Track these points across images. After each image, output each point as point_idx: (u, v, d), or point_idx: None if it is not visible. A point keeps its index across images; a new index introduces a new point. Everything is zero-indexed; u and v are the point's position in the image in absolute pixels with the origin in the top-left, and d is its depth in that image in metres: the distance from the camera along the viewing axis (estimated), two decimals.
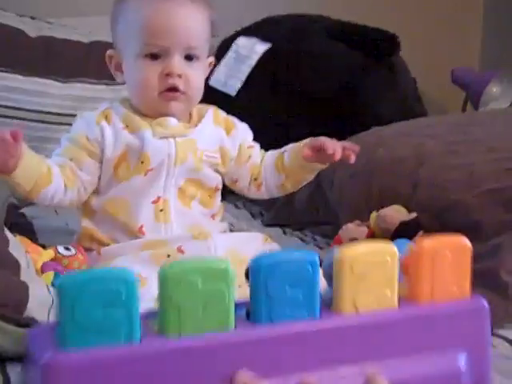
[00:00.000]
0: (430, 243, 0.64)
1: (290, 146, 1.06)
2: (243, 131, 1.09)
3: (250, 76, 1.63)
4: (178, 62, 0.98)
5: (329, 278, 0.63)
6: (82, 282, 0.53)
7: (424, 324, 0.64)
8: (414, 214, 0.98)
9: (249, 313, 0.60)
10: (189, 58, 0.99)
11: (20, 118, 1.48)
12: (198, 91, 1.02)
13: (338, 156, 0.97)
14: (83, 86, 1.57)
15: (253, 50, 1.67)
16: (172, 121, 1.01)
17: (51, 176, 0.95)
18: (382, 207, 1.05)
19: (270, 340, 0.59)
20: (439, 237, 0.66)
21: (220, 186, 1.06)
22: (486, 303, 0.66)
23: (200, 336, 0.57)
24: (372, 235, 1.00)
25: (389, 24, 1.68)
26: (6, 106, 1.47)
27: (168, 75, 0.97)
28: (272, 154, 1.08)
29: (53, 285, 0.87)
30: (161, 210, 0.99)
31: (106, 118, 1.01)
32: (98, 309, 0.53)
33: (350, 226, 1.01)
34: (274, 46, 1.65)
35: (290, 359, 0.59)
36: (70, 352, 0.53)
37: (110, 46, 1.65)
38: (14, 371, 0.73)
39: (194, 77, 1.00)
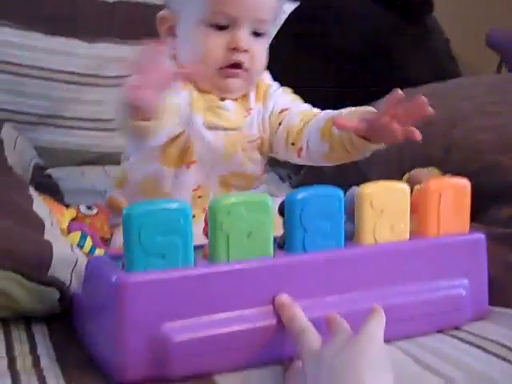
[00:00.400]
0: (435, 183, 0.74)
1: (349, 109, 0.89)
2: (274, 97, 0.97)
3: (278, 36, 1.59)
4: (245, 36, 0.89)
5: (350, 213, 0.70)
6: (147, 210, 0.60)
7: (432, 254, 0.73)
8: (447, 176, 0.95)
9: (280, 245, 0.68)
10: (256, 33, 0.91)
11: (44, 78, 1.46)
12: (261, 70, 0.95)
13: (400, 137, 0.80)
14: (108, 45, 1.55)
15: (281, 9, 1.63)
16: (228, 106, 0.93)
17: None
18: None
19: (304, 265, 0.67)
20: (443, 178, 0.77)
21: (264, 167, 0.99)
22: (483, 235, 0.76)
23: (246, 261, 0.64)
24: None
25: None
26: (30, 66, 1.46)
27: (234, 49, 0.89)
28: (324, 116, 0.92)
29: (78, 245, 0.87)
30: (199, 197, 0.94)
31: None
32: (159, 235, 0.60)
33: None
34: (303, 6, 1.61)
35: (318, 283, 0.67)
36: (137, 272, 0.60)
37: (133, 6, 1.66)
38: (38, 329, 0.73)
39: (259, 54, 0.92)
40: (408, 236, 0.72)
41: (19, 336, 0.71)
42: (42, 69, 1.47)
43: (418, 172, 0.98)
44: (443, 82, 1.35)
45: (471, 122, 1.07)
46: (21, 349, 0.68)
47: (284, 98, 0.98)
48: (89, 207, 1.01)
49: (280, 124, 0.95)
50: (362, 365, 0.53)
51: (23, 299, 0.71)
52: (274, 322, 0.65)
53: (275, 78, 1.40)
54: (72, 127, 1.48)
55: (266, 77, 1.00)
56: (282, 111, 0.95)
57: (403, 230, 0.72)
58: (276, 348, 0.65)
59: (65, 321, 0.73)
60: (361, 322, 0.60)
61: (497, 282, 0.77)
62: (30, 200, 0.87)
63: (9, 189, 0.85)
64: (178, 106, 0.90)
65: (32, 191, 0.93)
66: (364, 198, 0.69)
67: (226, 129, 0.92)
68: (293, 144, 0.93)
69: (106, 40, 1.55)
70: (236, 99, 0.95)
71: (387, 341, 0.67)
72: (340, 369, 0.53)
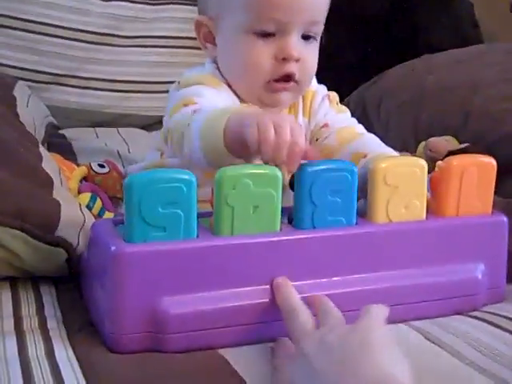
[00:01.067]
0: (458, 160, 0.69)
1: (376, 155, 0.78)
2: (320, 111, 0.87)
3: None
4: (296, 43, 0.78)
5: (363, 189, 0.66)
6: (148, 180, 0.58)
7: (449, 235, 0.69)
8: (465, 145, 0.93)
9: (290, 219, 0.65)
10: (306, 37, 0.79)
11: (59, 37, 1.45)
12: (312, 78, 0.84)
13: None
14: (124, 4, 1.52)
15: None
16: None
17: None
18: None
19: (312, 243, 0.63)
20: (467, 155, 0.71)
21: None
22: (505, 218, 0.71)
23: (250, 235, 0.61)
24: None
25: None
26: (45, 24, 1.44)
27: (284, 59, 0.78)
28: (354, 149, 0.81)
29: (87, 206, 0.86)
30: None
31: None
32: (161, 206, 0.58)
33: (393, 152, 0.96)
34: None
35: (326, 263, 0.64)
36: (135, 244, 0.58)
37: None
38: (46, 290, 0.73)
39: (311, 61, 0.81)
40: (424, 215, 0.68)
41: (27, 296, 0.71)
42: (58, 27, 1.45)
43: (434, 141, 0.96)
44: (465, 47, 1.31)
45: (493, 89, 1.04)
46: (28, 309, 0.68)
47: (328, 112, 0.88)
48: (101, 165, 1.00)
49: (317, 140, 0.86)
50: (375, 345, 0.52)
51: (30, 258, 0.71)
52: (273, 299, 0.62)
53: None
54: (86, 87, 1.46)
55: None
56: (322, 126, 0.87)
57: (419, 208, 0.68)
58: (277, 326, 0.62)
59: (73, 282, 0.73)
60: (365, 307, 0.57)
61: None
62: (40, 158, 0.86)
63: (19, 146, 0.84)
64: None
65: (42, 149, 0.92)
66: (377, 173, 0.65)
67: None
68: None
69: None
70: (286, 109, 0.86)
71: (401, 321, 0.67)
72: (352, 351, 0.51)
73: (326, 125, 0.86)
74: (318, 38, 0.82)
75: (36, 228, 0.70)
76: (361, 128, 0.87)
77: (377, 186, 0.65)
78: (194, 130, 0.68)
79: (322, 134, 0.86)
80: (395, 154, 0.81)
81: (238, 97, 0.82)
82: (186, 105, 0.75)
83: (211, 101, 0.76)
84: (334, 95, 0.90)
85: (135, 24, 1.52)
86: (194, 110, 0.72)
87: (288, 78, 0.79)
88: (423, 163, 0.67)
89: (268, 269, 0.62)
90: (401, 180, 0.66)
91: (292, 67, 0.78)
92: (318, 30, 0.80)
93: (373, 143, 0.83)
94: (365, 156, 0.78)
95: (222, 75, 0.83)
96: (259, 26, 0.77)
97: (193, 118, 0.70)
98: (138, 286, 0.58)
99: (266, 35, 0.78)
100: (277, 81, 0.79)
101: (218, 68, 0.83)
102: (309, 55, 0.80)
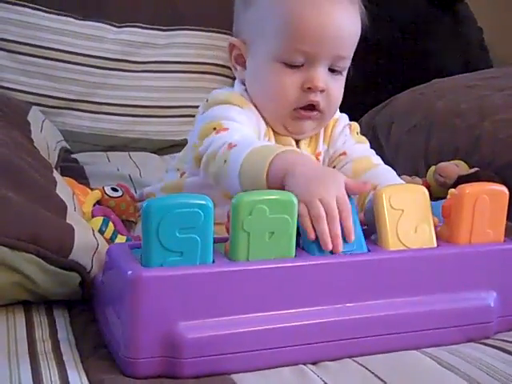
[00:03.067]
0: (471, 188, 0.69)
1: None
2: (340, 139, 0.89)
3: None
4: (322, 75, 0.80)
5: (370, 223, 0.68)
6: (166, 205, 0.58)
7: (462, 262, 0.69)
8: (475, 169, 0.93)
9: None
10: (333, 70, 0.82)
11: (73, 63, 1.47)
12: (336, 109, 0.87)
13: None
14: (137, 30, 1.55)
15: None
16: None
17: None
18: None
19: (327, 269, 0.64)
20: (479, 183, 0.71)
21: None
22: None
23: (265, 261, 0.62)
24: (427, 189, 0.96)
25: None
26: (59, 50, 1.46)
27: (310, 89, 0.80)
28: (371, 177, 0.83)
29: (100, 230, 0.87)
30: None
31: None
32: (178, 231, 0.58)
33: (404, 177, 0.97)
34: None
35: (341, 289, 0.64)
36: (152, 268, 0.59)
37: None
38: (59, 314, 0.73)
39: (336, 93, 0.83)
40: (434, 240, 0.69)
41: (40, 320, 0.71)
42: (71, 53, 1.47)
43: (444, 165, 0.96)
44: (474, 72, 1.32)
45: (501, 114, 1.04)
46: (41, 333, 0.68)
47: (348, 140, 0.90)
48: (114, 189, 1.01)
49: (334, 167, 0.88)
50: None
51: (44, 283, 0.72)
52: (291, 324, 0.63)
53: None
54: (98, 112, 1.49)
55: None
56: (341, 154, 0.89)
57: (428, 232, 0.68)
58: (292, 351, 0.63)
59: (86, 306, 0.73)
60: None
61: None
62: (54, 183, 0.88)
63: (34, 171, 0.86)
64: None
65: (56, 174, 0.94)
66: (382, 198, 0.67)
67: None
68: None
69: (134, 25, 1.55)
70: (309, 137, 0.88)
71: (414, 348, 0.67)
72: None
73: (344, 153, 0.88)
74: (345, 72, 0.84)
75: (50, 252, 0.71)
76: (377, 159, 0.89)
77: (383, 209, 0.66)
78: (231, 171, 0.71)
79: (339, 161, 0.88)
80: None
81: (264, 119, 0.84)
82: (215, 129, 0.77)
83: (241, 127, 0.78)
84: (356, 126, 0.92)
85: (148, 50, 1.54)
86: (229, 143, 0.73)
87: (312, 107, 0.81)
88: (424, 190, 0.69)
89: (283, 294, 0.62)
90: (406, 204, 0.67)
91: (317, 97, 0.80)
92: (345, 64, 0.83)
93: (386, 175, 0.85)
94: (374, 188, 0.78)
95: (250, 97, 0.85)
96: (288, 56, 0.80)
97: (229, 155, 0.72)
98: (154, 310, 0.59)
99: (294, 65, 0.80)
100: (302, 109, 0.81)
101: (246, 89, 0.86)
102: (334, 87, 0.82)
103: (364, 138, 0.92)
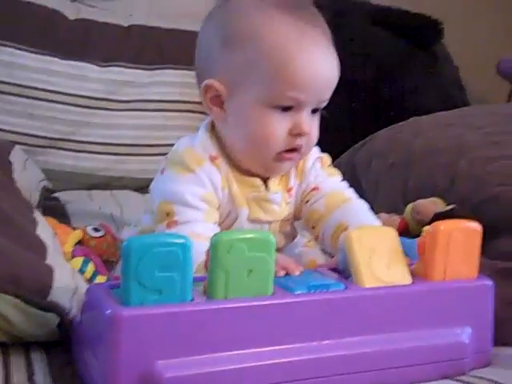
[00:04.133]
0: (445, 225, 0.70)
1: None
2: (311, 174, 0.90)
3: None
4: (307, 119, 0.82)
5: (344, 270, 0.70)
6: (145, 244, 0.59)
7: (436, 299, 0.70)
8: (451, 206, 0.95)
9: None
10: (314, 110, 0.83)
11: (56, 102, 1.48)
12: (312, 148, 0.87)
13: None
14: (121, 69, 1.56)
15: None
16: (275, 199, 0.86)
17: None
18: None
19: (304, 307, 0.65)
20: (453, 221, 0.72)
21: None
22: (491, 282, 0.73)
23: (244, 298, 0.63)
24: (405, 226, 0.97)
25: (432, 10, 1.63)
26: (43, 89, 1.47)
27: (297, 134, 0.81)
28: (340, 218, 0.85)
29: (80, 270, 0.87)
30: None
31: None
32: (158, 269, 0.59)
33: (382, 215, 0.98)
34: None
35: (317, 326, 0.65)
36: (132, 307, 0.59)
37: (148, 30, 1.66)
38: (37, 356, 0.73)
39: (315, 133, 0.84)
40: (408, 276, 0.70)
41: (18, 362, 0.71)
42: (54, 92, 1.48)
43: (422, 203, 0.98)
44: (451, 110, 1.35)
45: (477, 152, 1.06)
46: (18, 375, 0.68)
47: (319, 174, 0.90)
48: (96, 229, 1.01)
49: (307, 202, 0.89)
50: None
51: (22, 324, 0.72)
52: (270, 362, 0.63)
53: None
54: (81, 151, 1.49)
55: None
56: (313, 189, 0.89)
57: (401, 269, 0.69)
58: None
59: (64, 347, 0.73)
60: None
61: (498, 319, 0.76)
62: (35, 223, 0.88)
63: (14, 212, 0.86)
64: (216, 205, 0.84)
65: (37, 214, 0.94)
66: (352, 238, 0.68)
67: (270, 222, 0.87)
68: (313, 228, 0.89)
69: (118, 64, 1.57)
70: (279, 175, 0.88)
71: None
72: None
73: (316, 188, 0.89)
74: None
75: (29, 293, 0.71)
76: (350, 192, 0.90)
77: (355, 249, 0.68)
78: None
79: (311, 196, 0.89)
80: (378, 224, 0.85)
81: (231, 162, 0.84)
82: (168, 214, 0.81)
83: (190, 222, 0.80)
84: (327, 158, 0.93)
85: (131, 88, 1.55)
86: None
87: (295, 150, 0.83)
88: (393, 232, 0.71)
89: (262, 332, 0.63)
90: (375, 244, 0.68)
91: (302, 141, 0.82)
92: (325, 104, 0.84)
93: (358, 212, 0.86)
94: (345, 229, 0.81)
95: (218, 143, 0.85)
96: (279, 101, 0.80)
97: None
98: (133, 349, 0.59)
99: (283, 109, 0.80)
100: (285, 151, 0.82)
101: (213, 136, 0.86)
102: (314, 128, 0.84)
103: (336, 170, 0.93)
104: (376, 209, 1.14)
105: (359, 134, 1.35)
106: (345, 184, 0.92)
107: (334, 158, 1.34)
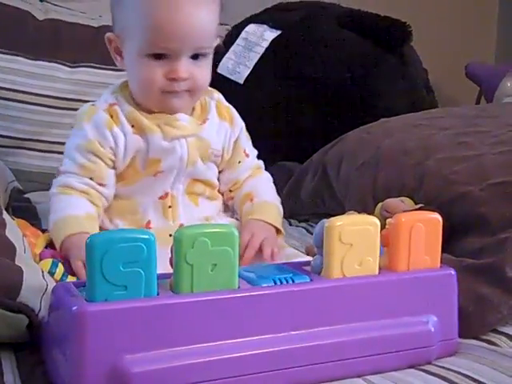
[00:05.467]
0: (406, 217, 0.73)
1: (254, 207, 1.01)
2: (241, 129, 1.04)
3: (259, 64, 1.61)
4: (184, 66, 0.92)
5: (319, 246, 0.71)
6: (109, 240, 0.60)
7: (400, 289, 0.72)
8: (419, 205, 0.96)
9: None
10: (196, 56, 0.94)
11: (25, 102, 1.47)
12: (204, 87, 0.98)
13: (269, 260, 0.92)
14: (90, 70, 1.55)
15: (262, 37, 1.65)
16: (182, 118, 0.97)
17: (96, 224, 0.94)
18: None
19: (269, 299, 0.66)
20: (414, 212, 0.76)
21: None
22: (453, 271, 0.75)
23: (209, 292, 0.63)
24: None
25: (401, 14, 1.65)
26: (12, 90, 1.46)
27: (174, 79, 0.92)
28: (249, 188, 1.03)
29: (49, 272, 0.86)
30: (169, 207, 0.97)
31: (113, 117, 0.96)
32: (122, 265, 0.60)
33: (351, 212, 1.00)
34: (284, 34, 1.63)
35: (283, 318, 0.67)
36: (97, 303, 0.60)
37: None
38: (6, 356, 0.72)
39: (200, 75, 0.95)
40: (377, 270, 0.72)
41: None
42: (23, 92, 1.47)
43: (390, 201, 0.99)
44: (420, 112, 1.37)
45: (445, 152, 1.08)
46: None
47: (246, 139, 1.05)
48: None
49: (240, 163, 1.04)
50: None
51: None
52: (238, 355, 0.64)
53: (255, 105, 1.39)
54: (50, 151, 1.48)
55: (221, 97, 1.05)
56: (245, 154, 1.05)
57: (372, 264, 0.71)
58: (237, 381, 0.64)
59: (33, 348, 0.73)
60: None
61: (465, 314, 0.78)
62: (3, 225, 0.87)
63: None
64: (112, 151, 0.95)
65: (6, 215, 0.93)
66: (333, 232, 0.69)
67: (185, 136, 0.96)
68: (230, 191, 1.05)
69: (88, 65, 1.56)
70: (191, 114, 1.00)
71: (356, 376, 0.69)
72: None
73: (247, 155, 1.05)
74: (210, 55, 0.96)
75: None
76: (261, 163, 1.08)
77: (332, 244, 0.69)
78: (49, 221, 0.93)
79: (243, 159, 1.05)
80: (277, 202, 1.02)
81: (144, 106, 0.96)
82: (60, 171, 0.97)
83: (68, 168, 0.96)
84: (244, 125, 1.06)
85: (101, 89, 1.53)
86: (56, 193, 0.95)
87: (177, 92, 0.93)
88: (376, 221, 0.71)
89: (228, 325, 0.64)
90: (355, 238, 0.69)
91: (181, 86, 0.93)
92: (207, 51, 0.95)
93: (264, 186, 1.04)
94: (251, 199, 1.01)
95: (121, 93, 0.98)
96: (152, 50, 0.91)
97: (50, 212, 0.94)
98: (99, 344, 0.59)
99: (157, 56, 0.92)
100: (168, 92, 0.94)
101: (117, 90, 0.99)
102: (199, 71, 0.94)
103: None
104: (347, 208, 1.15)
105: (329, 135, 1.36)
106: (255, 152, 1.07)
107: (305, 159, 1.36)
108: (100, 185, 0.95)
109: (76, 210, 0.92)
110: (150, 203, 0.96)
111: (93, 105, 0.99)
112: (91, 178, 0.95)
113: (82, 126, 0.96)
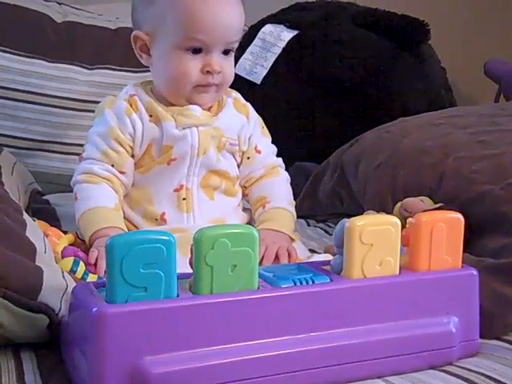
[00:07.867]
0: (427, 217, 0.72)
1: (266, 215, 1.03)
2: (255, 125, 1.08)
3: (276, 64, 1.61)
4: (218, 59, 0.98)
5: (340, 246, 0.70)
6: (129, 241, 0.60)
7: (421, 289, 0.71)
8: (439, 205, 0.95)
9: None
10: (226, 52, 1.00)
11: (44, 104, 1.48)
12: (230, 82, 1.03)
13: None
14: (108, 72, 1.56)
15: (279, 37, 1.64)
16: (195, 109, 1.01)
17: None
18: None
19: (291, 299, 0.66)
20: (435, 212, 0.76)
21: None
22: (475, 272, 0.74)
23: (229, 293, 0.63)
24: None
25: (419, 13, 1.64)
26: (30, 92, 1.47)
27: (208, 72, 0.98)
28: (263, 190, 1.06)
29: (71, 270, 0.87)
30: (183, 199, 0.99)
31: (132, 105, 1.01)
32: (142, 266, 0.60)
33: (370, 212, 1.00)
34: (301, 34, 1.62)
35: (305, 319, 0.66)
36: (117, 304, 0.60)
37: None
38: (26, 356, 0.73)
39: (229, 70, 1.01)
40: (397, 271, 0.71)
41: (7, 363, 0.71)
42: (41, 94, 1.48)
43: (409, 201, 0.98)
44: (438, 111, 1.35)
45: (464, 151, 1.07)
46: (8, 377, 0.68)
47: (262, 138, 1.08)
48: None
49: (248, 158, 1.07)
50: None
51: (12, 325, 0.71)
52: (257, 356, 0.64)
53: (272, 105, 1.39)
54: (69, 153, 1.49)
55: (239, 96, 1.09)
56: (256, 150, 1.07)
57: (393, 264, 0.70)
58: (257, 382, 0.64)
59: (54, 348, 0.73)
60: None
61: (486, 314, 0.77)
62: (24, 225, 0.88)
63: (3, 214, 0.86)
64: (131, 137, 1.00)
65: (26, 216, 0.93)
66: (353, 232, 0.68)
67: (197, 125, 1.00)
68: (245, 187, 1.07)
69: (105, 67, 1.57)
70: (209, 110, 1.04)
71: (377, 377, 0.68)
72: None
73: (259, 151, 1.07)
74: (235, 50, 1.02)
75: (18, 295, 0.71)
76: (280, 161, 1.11)
77: (353, 244, 0.68)
78: (76, 210, 0.99)
79: (254, 156, 1.07)
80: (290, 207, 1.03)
81: (164, 99, 1.01)
82: (83, 157, 1.02)
83: (90, 154, 1.00)
84: (262, 120, 1.10)
85: (119, 91, 1.54)
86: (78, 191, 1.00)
87: (209, 85, 0.99)
88: (397, 221, 0.70)
89: (248, 326, 0.64)
90: (376, 238, 0.69)
91: (214, 79, 0.99)
92: (235, 45, 1.01)
93: (278, 189, 1.06)
94: (264, 204, 1.03)
95: (141, 86, 1.03)
96: (189, 44, 0.97)
97: (78, 200, 1.00)
98: (119, 346, 0.59)
99: (193, 51, 0.97)
100: (201, 86, 0.99)
101: (139, 84, 1.05)
102: (227, 67, 1.00)
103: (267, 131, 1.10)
104: (365, 207, 1.15)
105: (347, 135, 1.35)
106: (271, 149, 1.10)
107: (322, 159, 1.36)
108: (121, 172, 0.99)
109: (105, 201, 0.97)
110: (165, 195, 0.99)
111: (114, 96, 1.05)
112: (112, 165, 0.99)
113: (103, 113, 1.01)
